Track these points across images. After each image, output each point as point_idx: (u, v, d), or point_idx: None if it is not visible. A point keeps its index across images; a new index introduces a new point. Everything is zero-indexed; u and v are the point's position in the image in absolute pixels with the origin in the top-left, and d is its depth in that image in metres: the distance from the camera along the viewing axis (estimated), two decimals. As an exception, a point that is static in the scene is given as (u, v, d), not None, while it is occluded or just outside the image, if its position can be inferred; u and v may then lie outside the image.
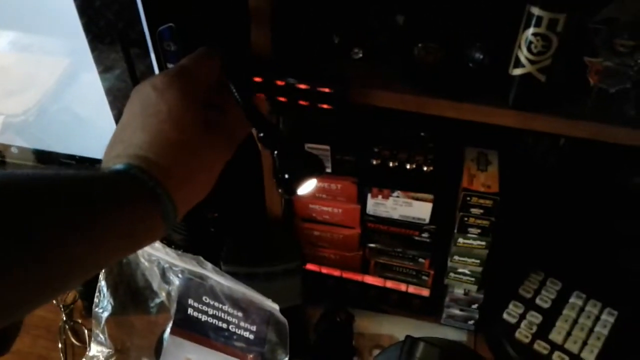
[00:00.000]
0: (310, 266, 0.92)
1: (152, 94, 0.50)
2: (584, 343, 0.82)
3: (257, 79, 0.64)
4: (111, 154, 0.48)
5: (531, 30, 0.55)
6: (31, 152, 0.88)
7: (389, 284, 0.90)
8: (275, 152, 0.54)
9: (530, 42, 0.56)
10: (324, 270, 0.92)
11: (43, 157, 0.88)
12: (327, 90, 0.63)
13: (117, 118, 0.77)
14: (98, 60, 0.72)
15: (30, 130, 0.86)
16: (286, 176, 0.54)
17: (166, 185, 0.46)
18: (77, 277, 0.42)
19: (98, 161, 0.84)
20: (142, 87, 0.51)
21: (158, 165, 0.46)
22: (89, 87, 0.75)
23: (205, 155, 0.51)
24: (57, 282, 0.40)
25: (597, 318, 0.84)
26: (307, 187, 0.56)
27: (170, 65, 0.68)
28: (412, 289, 0.90)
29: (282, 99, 0.65)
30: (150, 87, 0.50)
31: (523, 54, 0.57)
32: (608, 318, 0.84)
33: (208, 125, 0.51)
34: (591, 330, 0.83)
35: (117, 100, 0.76)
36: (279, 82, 0.63)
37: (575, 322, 0.84)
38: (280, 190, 0.55)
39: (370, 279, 0.91)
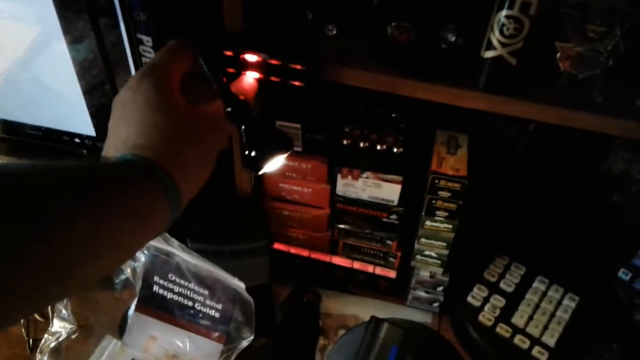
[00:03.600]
0: (278, 246, 0.91)
1: (128, 93, 0.51)
2: (545, 327, 0.83)
3: (228, 53, 0.63)
4: (105, 156, 0.49)
5: (504, 12, 0.55)
6: (-3, 122, 0.86)
7: (357, 265, 0.91)
8: (242, 127, 0.54)
9: (503, 25, 0.56)
10: (293, 250, 0.92)
11: (9, 127, 0.87)
12: (298, 66, 0.62)
13: (85, 89, 0.76)
14: (66, 29, 0.70)
15: (-3, 99, 0.84)
16: (252, 153, 0.53)
17: (159, 161, 0.47)
18: (89, 261, 0.41)
19: (64, 133, 0.84)
20: (119, 93, 0.52)
21: (148, 147, 0.48)
22: (58, 57, 0.73)
23: (193, 133, 0.51)
24: (67, 265, 0.39)
25: (559, 303, 0.86)
26: (274, 164, 0.56)
27: (139, 36, 0.67)
28: (379, 271, 0.90)
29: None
30: (126, 89, 0.51)
31: (495, 37, 0.57)
32: (569, 303, 0.86)
33: (189, 107, 0.52)
34: (552, 315, 0.85)
35: (85, 72, 0.74)
36: (250, 57, 0.63)
37: (537, 306, 0.86)
38: (246, 167, 0.55)
39: (338, 260, 0.91)
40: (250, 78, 0.62)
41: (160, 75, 0.52)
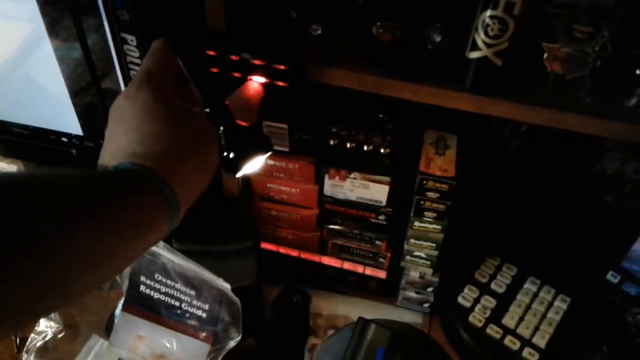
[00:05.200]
0: (268, 246, 0.91)
1: (125, 102, 0.50)
2: (536, 328, 0.83)
3: (211, 53, 0.62)
4: (103, 165, 0.48)
5: (488, 12, 0.54)
6: (-15, 121, 0.86)
7: (347, 265, 0.90)
8: (221, 129, 0.53)
9: (487, 25, 0.55)
10: (282, 250, 0.91)
11: (-4, 125, 0.86)
12: (282, 67, 0.62)
13: (71, 88, 0.75)
14: (50, 28, 0.69)
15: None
16: (231, 155, 0.53)
17: (159, 171, 0.46)
18: (87, 273, 0.40)
19: (51, 132, 0.83)
20: (115, 102, 0.51)
21: (148, 156, 0.46)
22: (47, 56, 0.72)
23: (192, 140, 0.50)
24: (64, 278, 0.38)
25: (550, 304, 0.85)
26: (253, 166, 0.55)
27: (123, 35, 0.67)
28: (369, 271, 0.90)
29: (236, 74, 0.63)
30: (122, 98, 0.51)
31: (480, 37, 0.56)
32: (561, 304, 0.85)
33: (186, 114, 0.51)
34: (544, 316, 0.84)
35: (71, 71, 0.73)
36: (233, 57, 0.62)
37: (528, 307, 0.85)
38: (224, 169, 0.54)
39: (327, 260, 0.91)
40: (255, 83, 0.61)
41: (157, 83, 0.51)
